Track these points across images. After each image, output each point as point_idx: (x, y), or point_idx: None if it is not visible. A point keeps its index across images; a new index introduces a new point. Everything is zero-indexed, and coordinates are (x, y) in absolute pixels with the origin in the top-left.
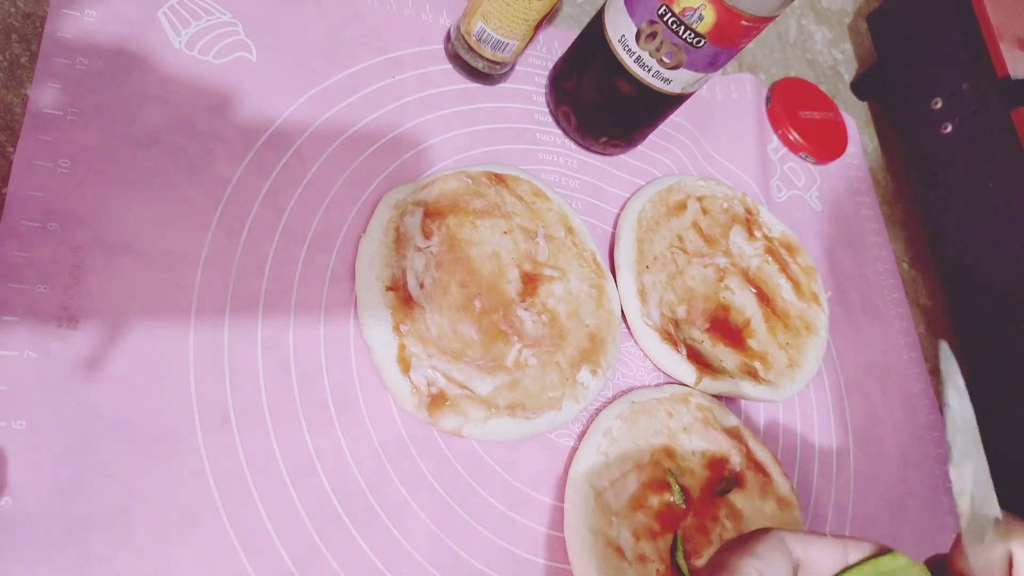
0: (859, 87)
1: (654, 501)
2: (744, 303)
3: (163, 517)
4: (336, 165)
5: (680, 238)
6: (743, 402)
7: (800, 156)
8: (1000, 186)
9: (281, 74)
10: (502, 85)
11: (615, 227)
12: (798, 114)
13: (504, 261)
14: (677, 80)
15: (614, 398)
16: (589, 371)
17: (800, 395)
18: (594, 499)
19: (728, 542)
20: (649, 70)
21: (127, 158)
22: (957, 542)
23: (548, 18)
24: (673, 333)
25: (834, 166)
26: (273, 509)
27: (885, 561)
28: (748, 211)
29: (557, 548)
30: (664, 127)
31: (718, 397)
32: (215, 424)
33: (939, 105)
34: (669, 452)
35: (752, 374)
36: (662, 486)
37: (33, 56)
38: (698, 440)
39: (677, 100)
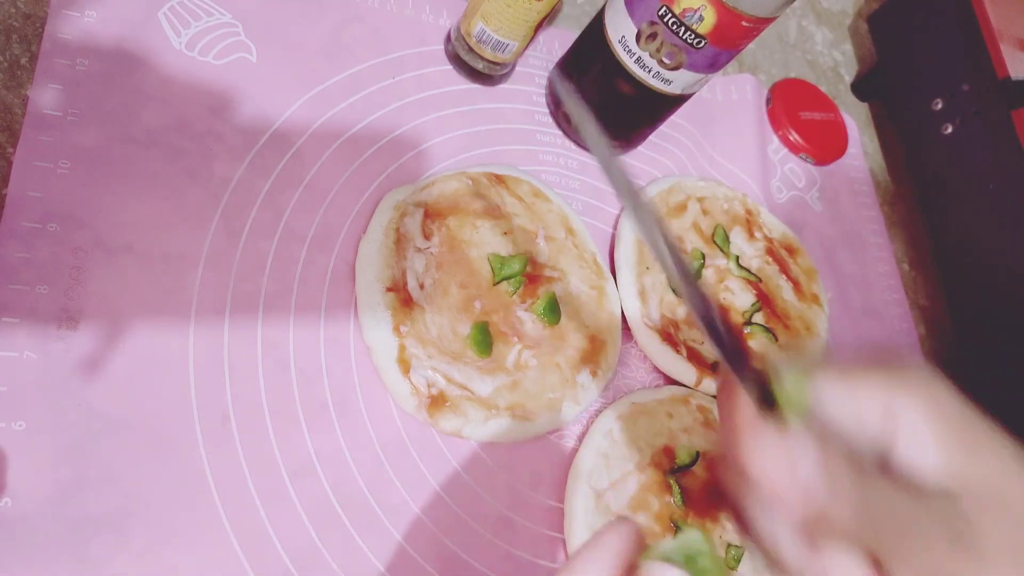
0: (859, 88)
1: (654, 502)
2: (744, 304)
3: (163, 518)
4: (336, 166)
5: (680, 239)
6: None
7: (800, 157)
8: (1000, 187)
9: (281, 75)
10: (502, 86)
11: (615, 228)
12: (798, 115)
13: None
14: (677, 81)
15: (614, 399)
16: (589, 372)
17: None
18: (594, 500)
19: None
20: (649, 71)
21: (127, 159)
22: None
23: (548, 19)
24: (673, 334)
25: (834, 167)
26: (273, 510)
27: (688, 541)
28: (748, 212)
29: (557, 549)
30: (664, 128)
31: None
32: (215, 425)
33: (939, 106)
34: (669, 453)
35: None
36: (662, 487)
37: (33, 57)
38: (698, 441)
39: (677, 101)
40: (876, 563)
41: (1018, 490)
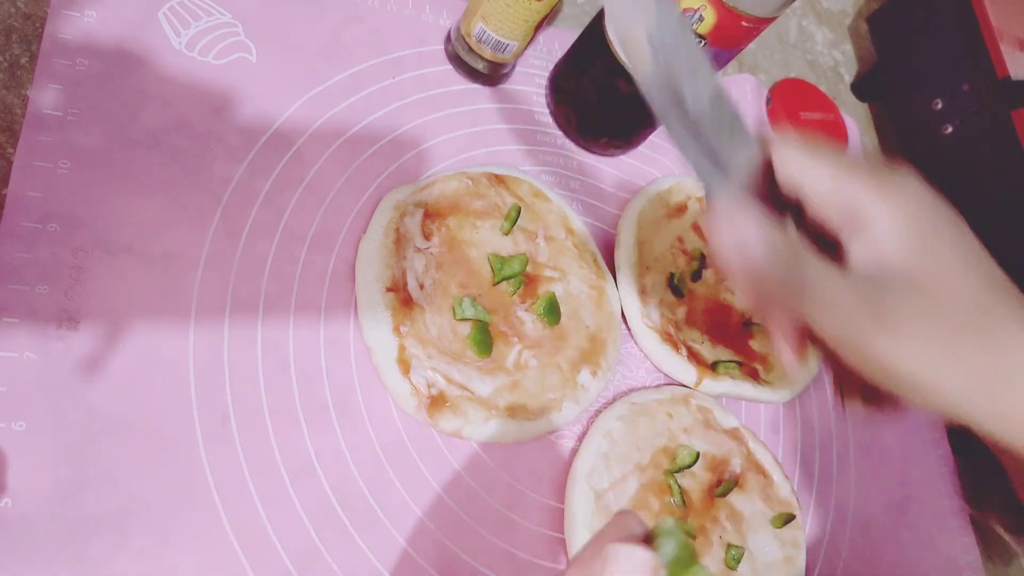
0: (860, 88)
1: (654, 503)
2: (744, 304)
3: (163, 518)
4: (336, 166)
5: (680, 239)
6: (744, 403)
7: None
8: (1000, 187)
9: (281, 75)
10: (502, 86)
11: (615, 228)
12: (799, 115)
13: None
14: None
15: (614, 399)
16: (589, 372)
17: (800, 396)
18: (594, 500)
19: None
20: None
21: (127, 159)
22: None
23: (548, 19)
24: (673, 334)
25: None
26: (273, 510)
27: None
28: None
29: (557, 550)
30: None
31: (718, 398)
32: (215, 425)
33: (940, 106)
34: (669, 453)
35: (753, 375)
36: (662, 488)
37: (33, 57)
38: (698, 441)
39: None
40: (805, 330)
41: (954, 282)
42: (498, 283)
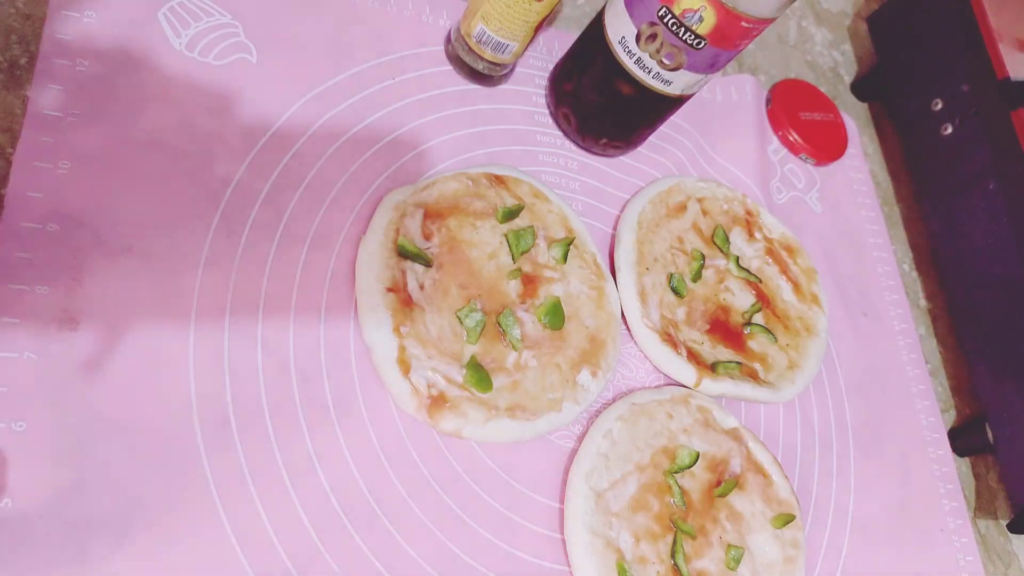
0: (859, 88)
1: (654, 503)
2: (744, 305)
3: (163, 519)
4: (336, 166)
5: (680, 239)
6: (743, 404)
7: (800, 157)
8: (1000, 187)
9: (281, 76)
10: (502, 87)
11: (615, 228)
12: (798, 115)
13: (504, 263)
14: (677, 81)
15: (614, 400)
16: (589, 373)
17: (800, 396)
18: (594, 501)
19: None
20: (649, 72)
21: (127, 160)
22: None
23: (548, 20)
24: (673, 335)
25: (834, 167)
26: (273, 511)
27: None
28: (748, 212)
29: (557, 550)
30: (664, 128)
31: (718, 399)
32: (215, 426)
33: (939, 106)
34: (669, 454)
35: (752, 376)
36: (662, 488)
37: (33, 57)
38: (698, 442)
39: (677, 102)
40: None
41: None
42: (517, 260)
